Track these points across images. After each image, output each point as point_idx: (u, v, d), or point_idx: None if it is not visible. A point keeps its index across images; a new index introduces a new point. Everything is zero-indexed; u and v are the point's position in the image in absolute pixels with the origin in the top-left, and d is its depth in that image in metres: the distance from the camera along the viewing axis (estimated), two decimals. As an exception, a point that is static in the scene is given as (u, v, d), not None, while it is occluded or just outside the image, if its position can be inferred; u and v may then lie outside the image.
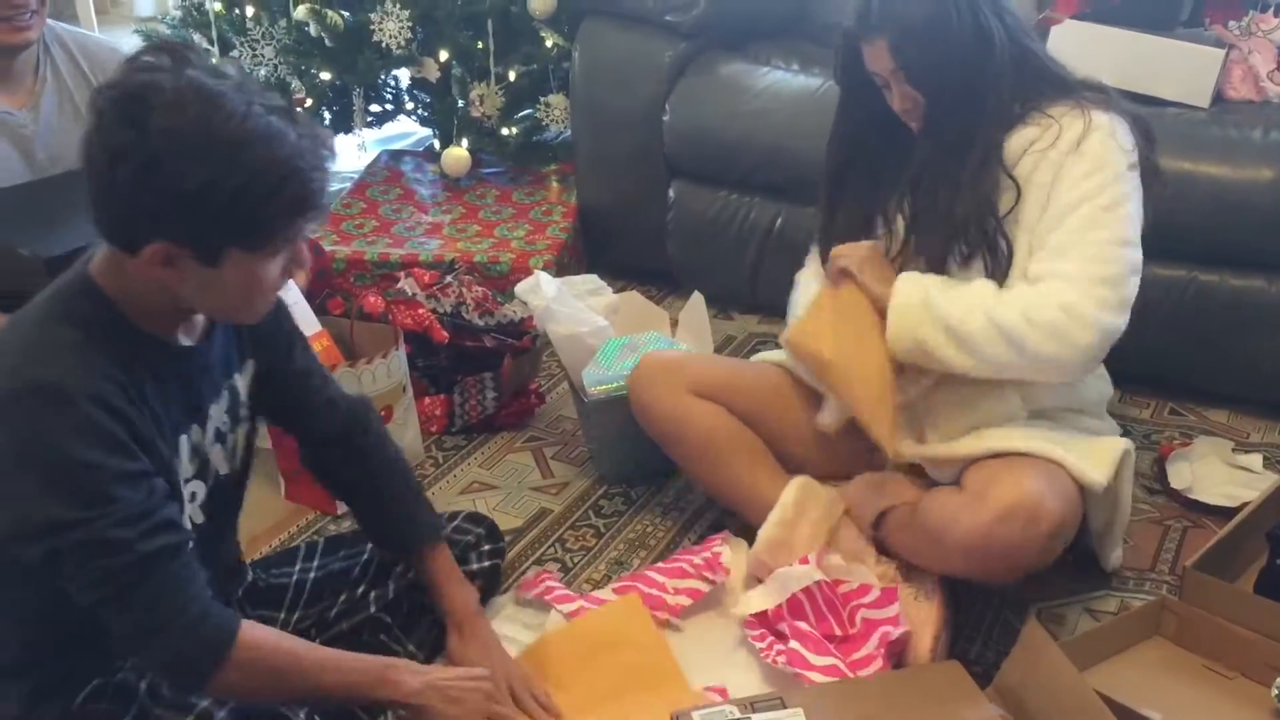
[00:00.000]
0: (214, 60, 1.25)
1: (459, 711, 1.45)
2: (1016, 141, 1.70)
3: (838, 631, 1.71)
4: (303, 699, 1.42)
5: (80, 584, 1.25)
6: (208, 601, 1.32)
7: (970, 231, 1.70)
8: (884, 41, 1.67)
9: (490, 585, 1.80)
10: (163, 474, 1.30)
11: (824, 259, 1.88)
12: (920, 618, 1.71)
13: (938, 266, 1.74)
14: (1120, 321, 1.66)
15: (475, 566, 1.74)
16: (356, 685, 1.42)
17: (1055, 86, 1.74)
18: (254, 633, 1.35)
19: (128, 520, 1.24)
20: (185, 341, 1.36)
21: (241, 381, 1.48)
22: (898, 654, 1.68)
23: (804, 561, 1.77)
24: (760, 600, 1.75)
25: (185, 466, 1.37)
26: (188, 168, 1.17)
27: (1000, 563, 1.64)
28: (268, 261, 1.27)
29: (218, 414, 1.43)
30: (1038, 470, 1.66)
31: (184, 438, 1.36)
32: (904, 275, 1.73)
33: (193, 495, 1.40)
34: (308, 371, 1.60)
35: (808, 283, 1.97)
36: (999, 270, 1.70)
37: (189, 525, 1.39)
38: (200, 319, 1.39)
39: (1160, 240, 1.81)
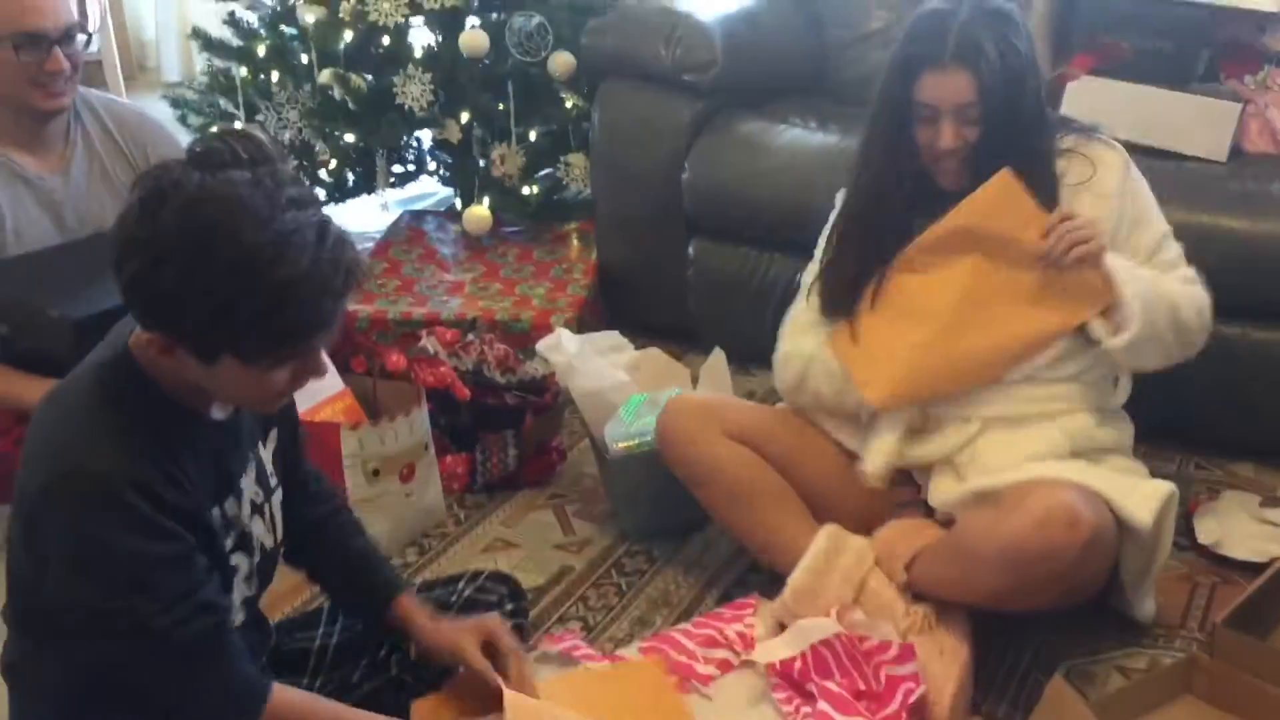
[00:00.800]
0: (276, 161, 1.23)
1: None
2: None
3: (861, 686, 1.69)
4: None
5: (121, 664, 1.28)
6: (241, 670, 1.33)
7: None
8: (967, 74, 1.69)
9: (514, 645, 1.79)
10: (205, 548, 1.31)
11: (824, 303, 1.92)
12: (942, 674, 1.69)
13: None
14: None
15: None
16: None
17: (1059, 126, 1.88)
18: (283, 695, 1.36)
19: (167, 607, 1.25)
20: (219, 415, 1.36)
21: (265, 451, 1.49)
22: (920, 712, 1.66)
23: (827, 614, 1.75)
24: (780, 649, 1.73)
25: (224, 539, 1.37)
26: (183, 273, 1.16)
27: (1039, 568, 1.62)
28: (270, 372, 1.26)
29: (249, 486, 1.43)
30: (1074, 487, 1.67)
31: (217, 510, 1.37)
32: (1122, 265, 1.76)
33: (236, 568, 1.40)
34: (304, 441, 1.62)
35: (802, 331, 1.96)
36: None
37: (237, 598, 1.40)
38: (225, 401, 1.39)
39: (1182, 294, 1.84)
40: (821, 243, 2.00)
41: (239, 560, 1.41)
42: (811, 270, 2.00)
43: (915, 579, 1.79)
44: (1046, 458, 1.77)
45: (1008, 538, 1.63)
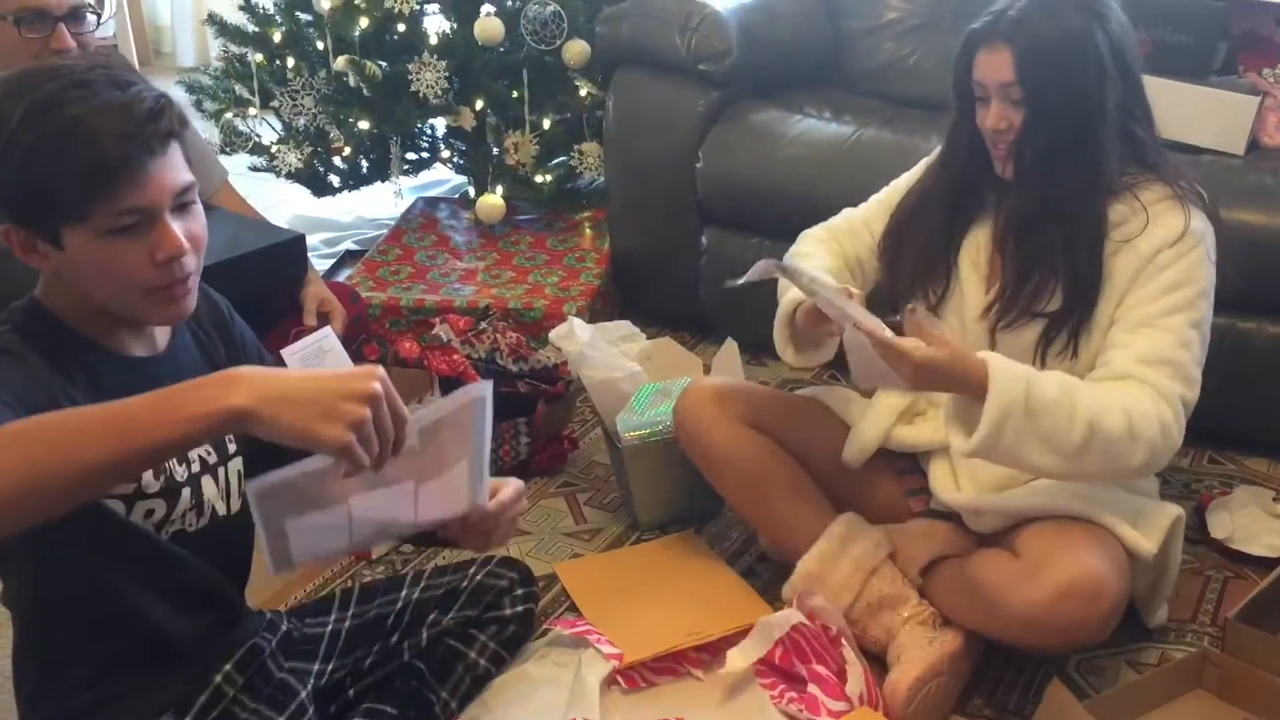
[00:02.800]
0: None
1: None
2: (1109, 221, 1.70)
3: (834, 667, 1.70)
4: (73, 476, 1.06)
5: None
6: None
7: (1073, 302, 1.69)
8: (1009, 50, 1.65)
9: (524, 630, 1.79)
10: None
11: (888, 262, 1.88)
12: (914, 661, 1.68)
13: (1025, 338, 1.73)
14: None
15: (509, 612, 1.74)
16: (139, 411, 1.08)
17: (1156, 169, 1.73)
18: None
19: None
20: (137, 352, 1.35)
21: None
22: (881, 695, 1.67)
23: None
24: (745, 655, 1.73)
25: (147, 479, 1.32)
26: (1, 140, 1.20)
27: (1057, 637, 1.64)
28: (113, 241, 1.25)
29: None
30: (1093, 542, 1.64)
31: None
32: (997, 366, 1.57)
33: (149, 513, 1.33)
34: None
35: (815, 248, 1.95)
36: (1073, 348, 1.71)
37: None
38: (159, 334, 1.38)
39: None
40: (879, 196, 1.97)
41: (154, 506, 1.33)
42: (849, 212, 1.99)
43: (932, 594, 1.78)
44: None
45: (1029, 605, 1.60)
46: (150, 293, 1.29)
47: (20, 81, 1.25)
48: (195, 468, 1.40)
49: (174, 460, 1.36)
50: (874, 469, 1.90)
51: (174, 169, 1.28)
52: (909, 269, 1.86)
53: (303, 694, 1.49)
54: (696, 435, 1.93)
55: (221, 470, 1.44)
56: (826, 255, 1.93)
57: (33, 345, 1.27)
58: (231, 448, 1.46)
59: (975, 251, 1.82)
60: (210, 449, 1.42)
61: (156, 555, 1.35)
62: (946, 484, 1.83)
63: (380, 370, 1.14)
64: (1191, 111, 2.38)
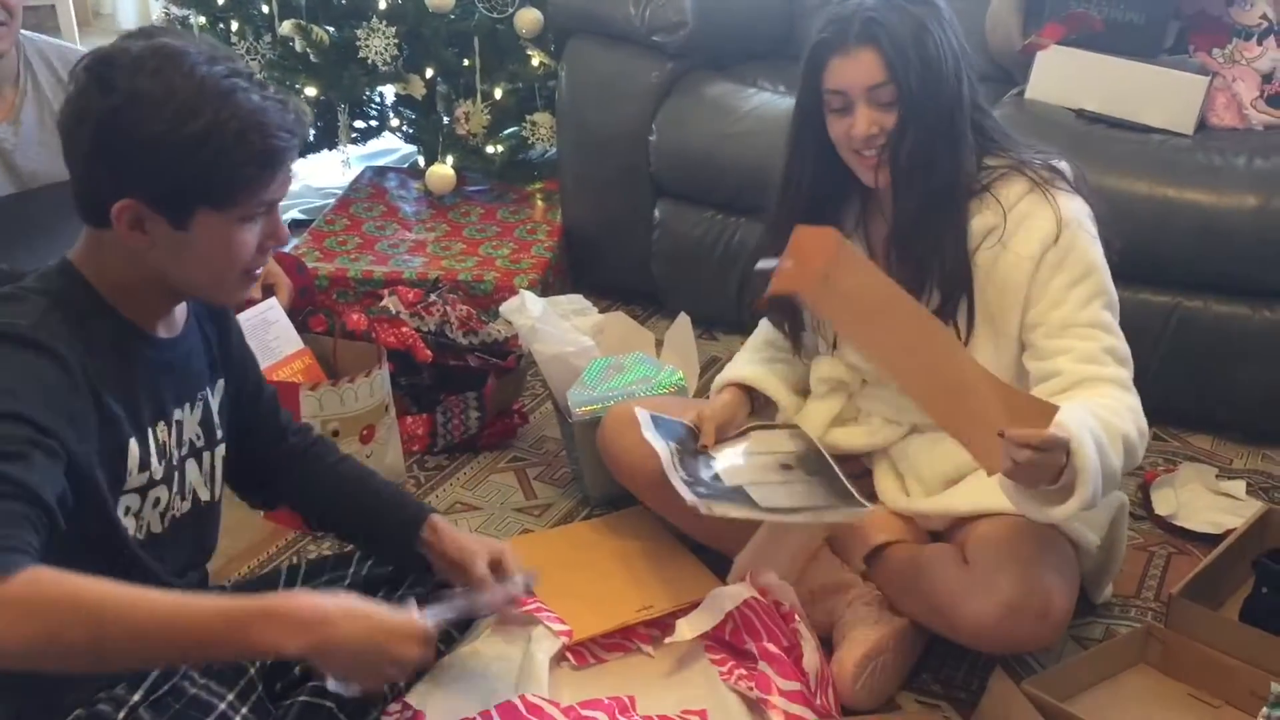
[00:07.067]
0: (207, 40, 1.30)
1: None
2: (976, 225, 1.68)
3: (785, 644, 1.69)
4: (124, 660, 1.16)
5: None
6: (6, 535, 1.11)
7: (949, 299, 1.68)
8: (872, 52, 1.62)
9: (474, 607, 1.79)
10: (111, 466, 1.27)
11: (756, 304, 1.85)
12: (862, 638, 1.68)
13: None
14: None
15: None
16: (220, 626, 1.13)
17: (1007, 151, 1.71)
18: (44, 572, 1.09)
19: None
20: (163, 334, 1.36)
21: (214, 399, 1.47)
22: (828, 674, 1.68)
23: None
24: (693, 626, 1.72)
25: (155, 465, 1.35)
26: (146, 119, 1.20)
27: (1004, 649, 1.68)
28: (240, 227, 1.28)
29: (189, 424, 1.42)
30: (1041, 546, 1.63)
31: (150, 431, 1.34)
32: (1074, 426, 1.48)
33: (157, 500, 1.36)
34: (271, 394, 1.62)
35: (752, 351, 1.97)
36: (963, 341, 1.69)
37: (142, 532, 1.35)
38: (179, 317, 1.39)
39: (1144, 267, 1.82)
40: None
41: (161, 493, 1.37)
42: None
43: (878, 581, 1.77)
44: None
45: (976, 618, 1.60)
46: (246, 274, 1.34)
47: (177, 59, 1.22)
48: (184, 450, 1.41)
49: (173, 443, 1.39)
50: None
51: None
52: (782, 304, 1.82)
53: (251, 670, 1.47)
54: (618, 459, 1.93)
55: (207, 455, 1.46)
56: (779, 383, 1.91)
57: (69, 324, 1.25)
58: (219, 434, 1.47)
59: None
60: (200, 429, 1.44)
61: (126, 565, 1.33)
62: (891, 487, 1.82)
63: (427, 635, 1.29)
64: (1141, 91, 2.40)
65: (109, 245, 1.28)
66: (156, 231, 1.25)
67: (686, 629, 1.72)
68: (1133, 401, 1.63)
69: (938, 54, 1.63)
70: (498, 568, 1.56)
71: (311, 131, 3.22)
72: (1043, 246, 1.65)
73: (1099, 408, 1.56)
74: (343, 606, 1.21)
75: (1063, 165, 1.72)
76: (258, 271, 1.36)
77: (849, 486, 1.72)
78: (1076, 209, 1.68)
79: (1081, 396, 1.59)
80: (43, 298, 1.26)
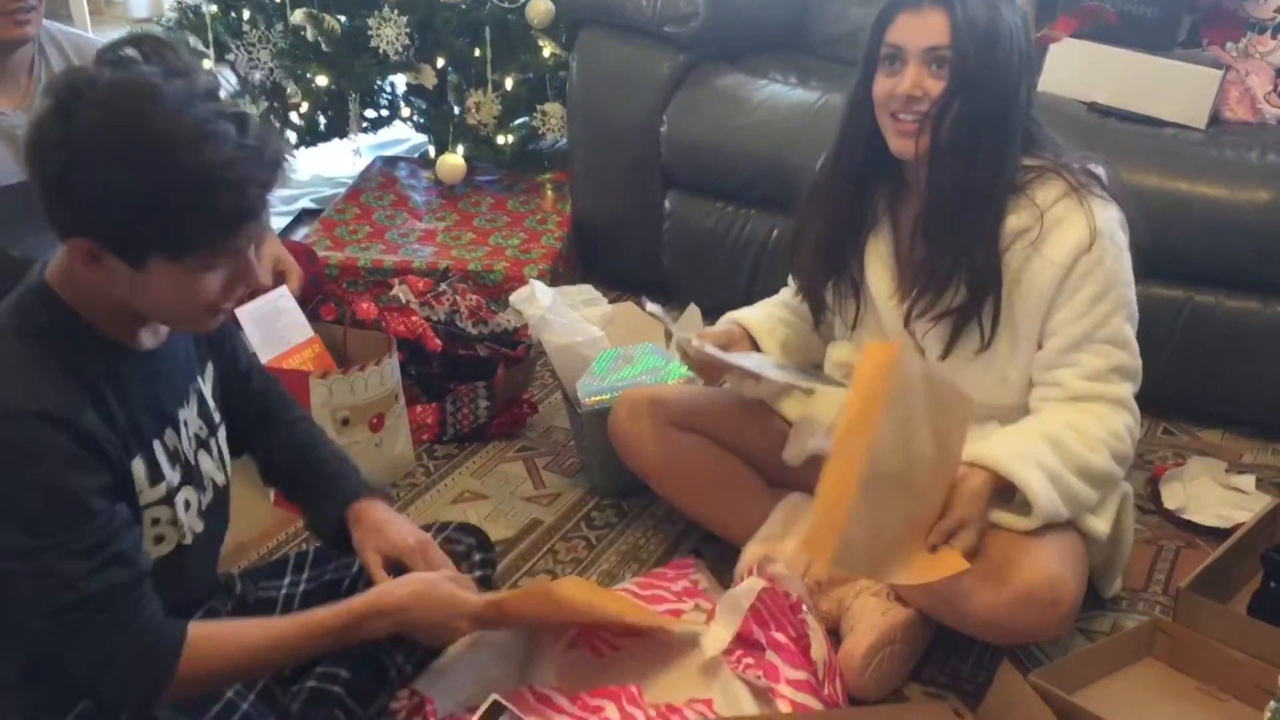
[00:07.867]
0: (201, 63, 1.24)
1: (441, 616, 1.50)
2: (1010, 224, 1.66)
3: (793, 634, 1.69)
4: (282, 668, 1.47)
5: (30, 612, 1.22)
6: (153, 625, 1.27)
7: (977, 297, 1.67)
8: (942, 14, 1.59)
9: (481, 596, 1.80)
10: (125, 493, 1.27)
11: (794, 270, 1.91)
12: (869, 628, 1.68)
13: (936, 331, 1.72)
14: None
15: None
16: (337, 634, 1.42)
17: (1045, 148, 1.70)
18: (202, 634, 1.31)
19: (77, 553, 1.20)
20: (148, 345, 1.33)
21: (206, 386, 1.47)
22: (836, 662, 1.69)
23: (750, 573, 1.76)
24: (724, 632, 1.72)
25: (170, 474, 1.35)
26: (105, 167, 1.14)
27: (1014, 639, 1.67)
28: (201, 275, 1.22)
29: (191, 420, 1.42)
30: (1052, 540, 1.63)
31: (157, 443, 1.34)
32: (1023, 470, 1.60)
33: (187, 503, 1.38)
34: (249, 360, 1.61)
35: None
36: (983, 343, 1.70)
37: (188, 537, 1.38)
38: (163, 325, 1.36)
39: (1156, 261, 1.81)
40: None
41: (188, 495, 1.39)
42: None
43: None
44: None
45: (986, 609, 1.60)
46: (211, 312, 1.29)
47: (148, 100, 1.15)
48: (194, 446, 1.41)
49: (184, 443, 1.39)
50: (817, 465, 1.90)
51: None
52: (812, 270, 1.84)
53: None
54: (631, 446, 1.95)
55: (213, 441, 1.46)
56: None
57: (55, 358, 1.23)
58: (216, 417, 1.48)
59: (878, 256, 1.79)
60: (201, 421, 1.44)
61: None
62: None
63: (474, 611, 1.52)
64: (1154, 84, 2.39)
65: (71, 267, 1.24)
66: (113, 267, 1.20)
67: (713, 643, 1.71)
68: (1118, 424, 1.66)
69: (1006, 44, 1.61)
70: (426, 556, 1.56)
71: (322, 120, 3.22)
72: (1075, 254, 1.64)
73: (1067, 437, 1.63)
74: (416, 594, 1.47)
75: (1100, 170, 1.71)
76: (227, 306, 1.30)
77: None
78: (1110, 217, 1.66)
79: (1066, 415, 1.65)
80: (23, 345, 1.23)
